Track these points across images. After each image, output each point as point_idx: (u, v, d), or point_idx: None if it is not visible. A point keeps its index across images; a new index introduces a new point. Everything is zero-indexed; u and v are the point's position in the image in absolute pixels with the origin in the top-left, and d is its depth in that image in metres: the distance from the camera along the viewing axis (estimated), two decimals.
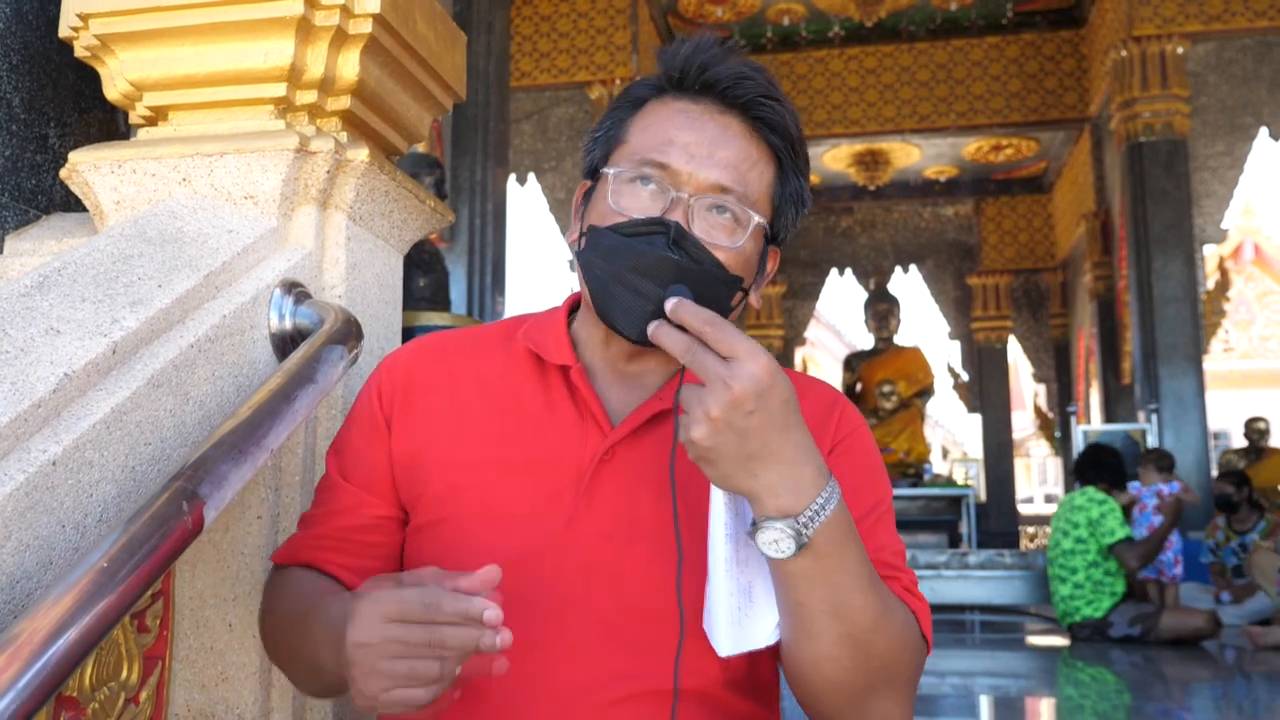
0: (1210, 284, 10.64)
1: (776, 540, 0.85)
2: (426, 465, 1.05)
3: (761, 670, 1.04)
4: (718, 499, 0.89)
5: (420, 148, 5.42)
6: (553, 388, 1.06)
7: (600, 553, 0.99)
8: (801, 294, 14.66)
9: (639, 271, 0.96)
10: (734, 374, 0.81)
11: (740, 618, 0.90)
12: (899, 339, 12.72)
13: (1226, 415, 16.15)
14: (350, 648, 0.86)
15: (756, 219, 1.01)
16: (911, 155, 12.95)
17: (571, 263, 1.11)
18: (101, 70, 1.43)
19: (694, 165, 1.00)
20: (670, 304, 0.85)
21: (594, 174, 1.07)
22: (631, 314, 0.96)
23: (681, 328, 0.85)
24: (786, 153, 1.06)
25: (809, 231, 14.51)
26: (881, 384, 11.78)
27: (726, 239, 1.00)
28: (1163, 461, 6.43)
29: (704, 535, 0.92)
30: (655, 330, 0.86)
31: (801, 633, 0.90)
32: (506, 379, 1.08)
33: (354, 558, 1.06)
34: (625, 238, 0.97)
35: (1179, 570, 6.06)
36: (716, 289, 0.98)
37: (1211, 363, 11.53)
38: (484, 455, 1.04)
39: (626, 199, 1.00)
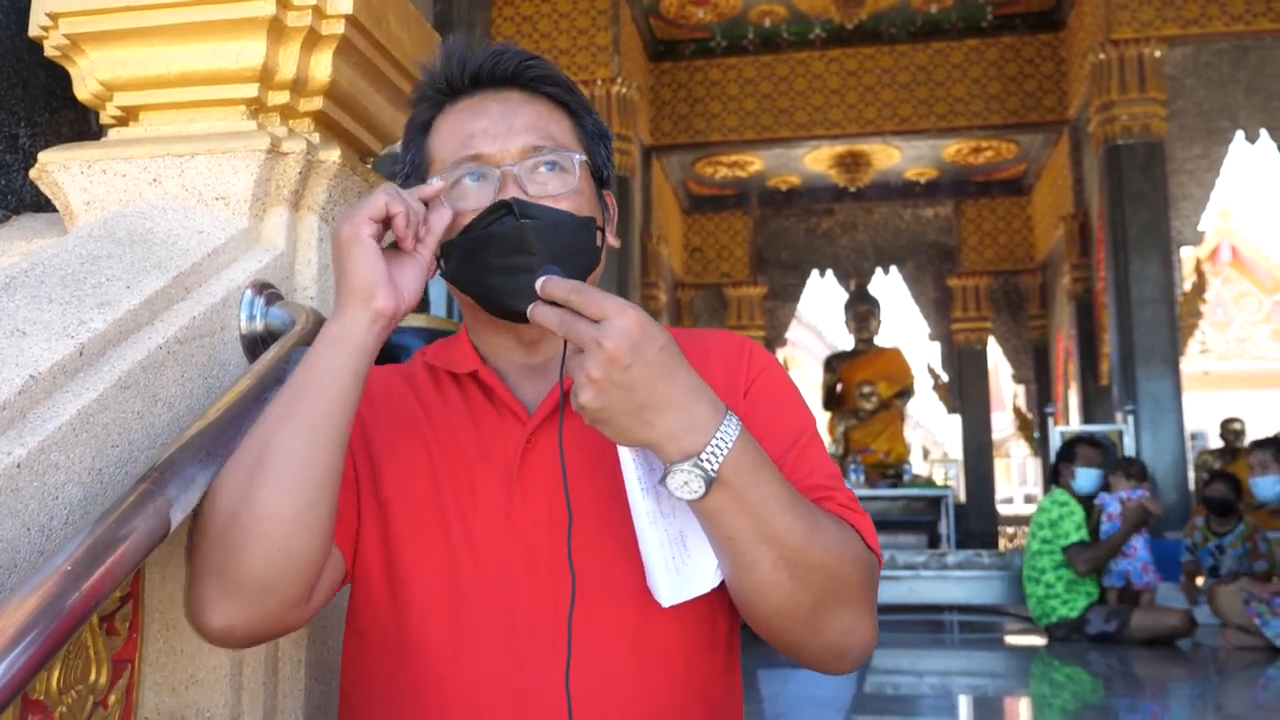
0: (1187, 286, 10.71)
1: (686, 482, 0.87)
2: (374, 481, 1.08)
3: (720, 629, 1.07)
4: (626, 457, 0.92)
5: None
6: (471, 396, 1.10)
7: (544, 538, 1.02)
8: (782, 295, 14.68)
9: (505, 252, 1.00)
10: (605, 333, 0.84)
11: (678, 566, 0.93)
12: (879, 340, 12.76)
13: (1203, 416, 16.26)
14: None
15: (577, 156, 1.08)
16: (892, 157, 12.99)
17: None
18: (72, 70, 1.42)
19: (500, 142, 1.06)
20: (539, 283, 0.88)
21: None
22: (519, 292, 0.98)
23: (555, 303, 0.88)
24: (568, 97, 1.13)
25: (790, 232, 14.54)
26: (862, 385, 11.81)
27: (560, 186, 1.06)
28: (1130, 469, 6.43)
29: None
30: (532, 311, 0.89)
31: (738, 566, 0.93)
32: (427, 400, 1.12)
33: None
34: (479, 233, 1.01)
35: (1150, 578, 6.03)
36: (577, 236, 1.03)
37: (1188, 364, 11.60)
38: (419, 468, 1.07)
39: (459, 200, 1.05)
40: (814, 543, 0.92)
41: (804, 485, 1.00)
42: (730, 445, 0.87)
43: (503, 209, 1.00)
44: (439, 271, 1.07)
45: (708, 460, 0.86)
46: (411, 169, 1.14)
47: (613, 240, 1.14)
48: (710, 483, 0.87)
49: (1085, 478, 6.15)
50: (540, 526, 1.02)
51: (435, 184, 1.03)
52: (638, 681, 1.00)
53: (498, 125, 1.06)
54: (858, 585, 0.97)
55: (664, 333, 0.87)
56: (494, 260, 1.00)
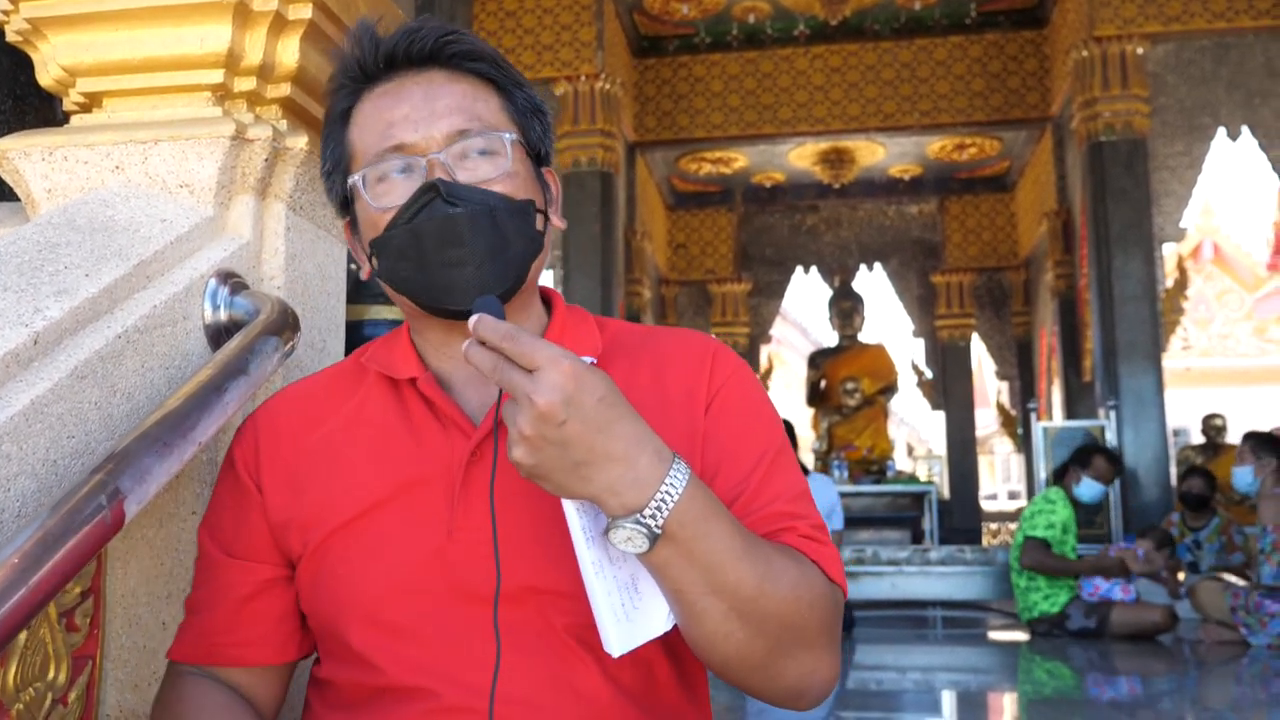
0: (1169, 282, 10.75)
1: (630, 538, 0.82)
2: (304, 511, 1.01)
3: (687, 667, 1.02)
4: (569, 508, 0.86)
5: None
6: (410, 404, 1.03)
7: (488, 559, 0.94)
8: (767, 292, 14.68)
9: (438, 244, 0.94)
10: (537, 387, 0.78)
11: (628, 612, 0.88)
12: (863, 336, 12.79)
13: (1185, 412, 16.33)
14: None
15: (507, 136, 1.01)
16: (876, 154, 13.00)
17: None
18: (34, 55, 1.40)
19: (423, 129, 0.99)
20: (471, 321, 0.80)
21: (347, 206, 1.06)
22: (456, 287, 0.94)
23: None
24: (495, 72, 1.05)
25: (774, 229, 14.54)
26: (845, 381, 11.83)
27: (493, 170, 0.99)
28: (1150, 533, 6.43)
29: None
30: (466, 350, 0.81)
31: (687, 617, 0.88)
32: (365, 409, 1.05)
33: (249, 629, 1.03)
34: (406, 225, 0.96)
35: (1107, 590, 6.00)
36: (514, 219, 0.97)
37: (1170, 360, 11.64)
38: (357, 490, 1.00)
39: (385, 196, 0.99)
40: (767, 591, 0.87)
41: (765, 514, 0.96)
42: (676, 498, 0.82)
43: (429, 192, 0.95)
44: (373, 271, 1.01)
45: (651, 516, 0.81)
46: (333, 164, 1.06)
47: (557, 222, 1.08)
48: (655, 539, 0.82)
49: (1089, 488, 6.18)
50: (485, 546, 0.95)
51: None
52: (588, 688, 0.95)
53: (419, 110, 0.99)
54: (815, 627, 0.92)
55: (603, 382, 0.81)
56: (428, 255, 0.94)
